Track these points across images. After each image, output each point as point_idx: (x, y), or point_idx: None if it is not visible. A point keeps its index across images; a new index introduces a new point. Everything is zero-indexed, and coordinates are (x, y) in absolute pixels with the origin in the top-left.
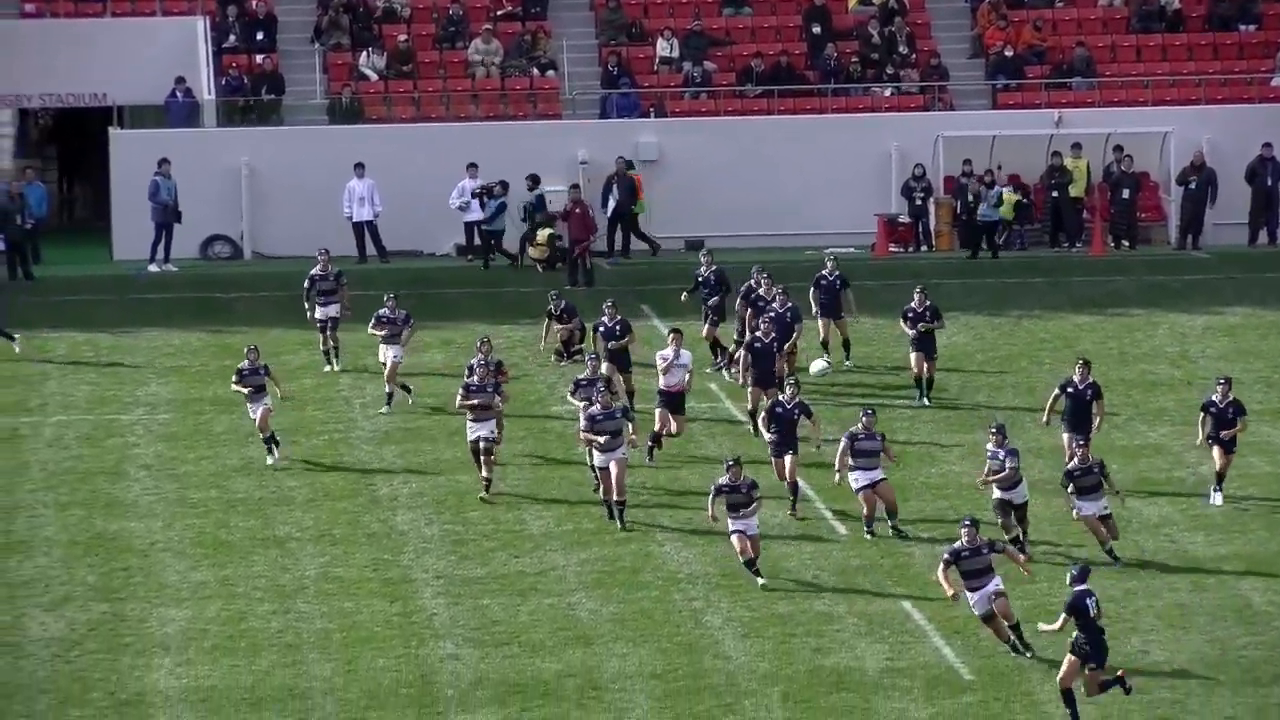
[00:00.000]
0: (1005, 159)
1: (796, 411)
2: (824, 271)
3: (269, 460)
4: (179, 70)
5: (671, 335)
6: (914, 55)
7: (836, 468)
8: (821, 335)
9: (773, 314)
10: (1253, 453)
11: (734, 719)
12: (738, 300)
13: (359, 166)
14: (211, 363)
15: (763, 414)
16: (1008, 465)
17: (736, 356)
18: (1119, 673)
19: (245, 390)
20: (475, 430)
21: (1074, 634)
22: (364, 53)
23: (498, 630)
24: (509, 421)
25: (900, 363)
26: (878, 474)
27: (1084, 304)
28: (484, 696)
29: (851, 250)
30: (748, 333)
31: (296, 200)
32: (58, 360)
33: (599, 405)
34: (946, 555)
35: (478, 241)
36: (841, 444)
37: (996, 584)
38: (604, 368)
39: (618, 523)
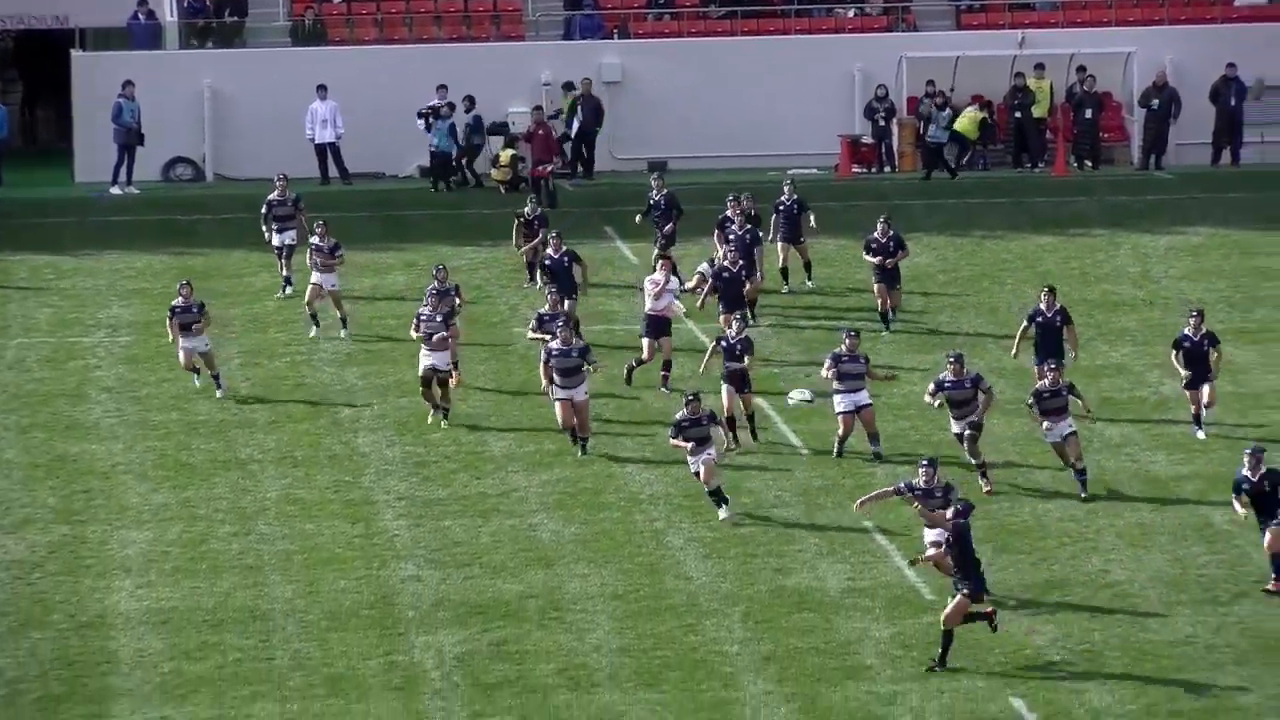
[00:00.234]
0: (968, 80)
1: (739, 348)
2: (782, 197)
3: (218, 394)
4: None
5: (661, 262)
6: None
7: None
8: (781, 260)
9: (732, 236)
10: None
11: (695, 639)
12: (715, 231)
13: (321, 88)
14: (173, 285)
15: (709, 348)
16: (980, 397)
17: (698, 287)
18: (989, 609)
19: (177, 327)
20: (427, 358)
21: (954, 574)
22: None
23: (459, 551)
24: (471, 343)
25: (862, 285)
26: (862, 397)
27: (1046, 224)
28: (445, 617)
29: (815, 171)
30: (718, 260)
31: (259, 122)
32: (19, 283)
33: (559, 341)
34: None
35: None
36: (825, 364)
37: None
38: (565, 304)
39: (579, 451)
